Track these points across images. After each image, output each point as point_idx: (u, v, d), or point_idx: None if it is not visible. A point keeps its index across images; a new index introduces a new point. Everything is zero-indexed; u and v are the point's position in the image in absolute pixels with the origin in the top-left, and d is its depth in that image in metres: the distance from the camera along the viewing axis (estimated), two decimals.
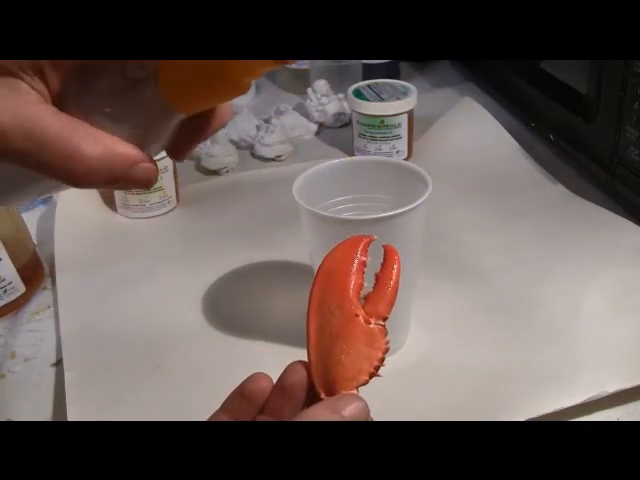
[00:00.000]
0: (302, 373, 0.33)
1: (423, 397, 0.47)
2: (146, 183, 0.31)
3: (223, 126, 0.34)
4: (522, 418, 0.44)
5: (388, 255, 0.33)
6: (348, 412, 0.29)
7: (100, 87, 0.29)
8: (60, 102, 0.29)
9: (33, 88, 0.28)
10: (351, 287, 0.32)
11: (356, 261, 0.32)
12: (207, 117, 0.33)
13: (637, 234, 0.62)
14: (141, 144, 0.30)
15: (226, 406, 0.34)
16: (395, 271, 0.33)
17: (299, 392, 0.33)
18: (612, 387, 0.46)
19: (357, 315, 0.31)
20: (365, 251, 0.33)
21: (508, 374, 0.48)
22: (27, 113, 0.27)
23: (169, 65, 0.29)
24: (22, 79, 0.28)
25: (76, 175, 0.28)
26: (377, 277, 0.33)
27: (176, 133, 0.32)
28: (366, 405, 0.30)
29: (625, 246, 0.61)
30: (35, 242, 0.66)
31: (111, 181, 0.29)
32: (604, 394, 0.45)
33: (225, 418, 0.33)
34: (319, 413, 0.29)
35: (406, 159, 0.77)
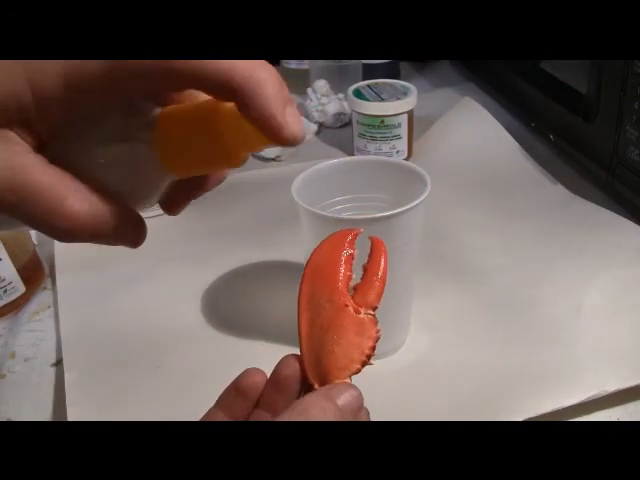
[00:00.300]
0: (295, 366, 0.33)
1: (423, 397, 0.47)
2: (132, 244, 0.30)
3: (217, 185, 0.34)
4: (522, 418, 0.44)
5: (375, 246, 0.34)
6: (342, 400, 0.29)
7: (93, 140, 0.29)
8: (50, 153, 0.28)
9: (22, 138, 0.27)
10: (340, 279, 0.32)
11: (344, 254, 0.33)
12: (202, 177, 0.33)
13: (637, 234, 0.62)
14: (132, 198, 0.30)
15: (221, 402, 0.34)
16: (383, 261, 0.33)
17: (293, 385, 0.33)
18: (612, 386, 0.46)
19: (347, 306, 0.32)
20: (352, 244, 0.33)
21: (508, 374, 0.48)
22: (16, 164, 0.27)
23: (166, 128, 0.29)
24: (11, 129, 0.27)
25: (60, 231, 0.28)
26: (365, 268, 0.33)
27: (170, 189, 0.32)
28: (360, 393, 0.30)
29: (625, 246, 0.61)
30: (35, 242, 0.66)
31: (96, 239, 0.29)
32: (604, 393, 0.45)
33: (220, 414, 0.33)
34: (313, 401, 0.29)
35: (406, 159, 0.77)
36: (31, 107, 0.27)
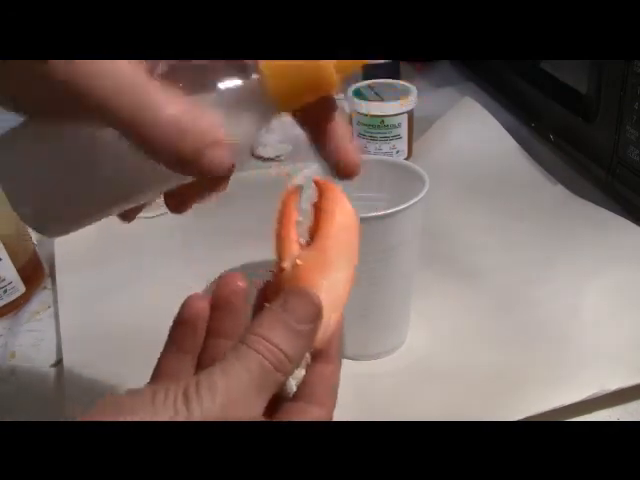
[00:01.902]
0: (235, 284, 0.32)
1: (423, 396, 0.47)
2: (216, 172, 0.27)
3: (221, 191, 0.34)
4: (522, 416, 0.44)
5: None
6: (298, 314, 0.28)
7: (201, 71, 0.29)
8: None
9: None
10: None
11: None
12: (212, 181, 0.33)
13: (637, 234, 0.62)
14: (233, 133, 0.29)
15: (172, 340, 0.33)
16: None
17: (238, 303, 0.32)
18: (612, 385, 0.46)
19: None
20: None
21: (508, 373, 0.48)
22: (121, 70, 0.26)
23: (270, 64, 0.30)
24: None
25: (152, 137, 0.25)
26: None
27: (180, 189, 0.32)
28: (318, 301, 0.29)
29: (625, 246, 0.61)
30: (35, 242, 0.66)
31: (183, 157, 0.26)
32: (604, 392, 0.45)
33: (176, 353, 0.33)
34: (269, 317, 0.28)
35: (406, 159, 0.77)
36: None
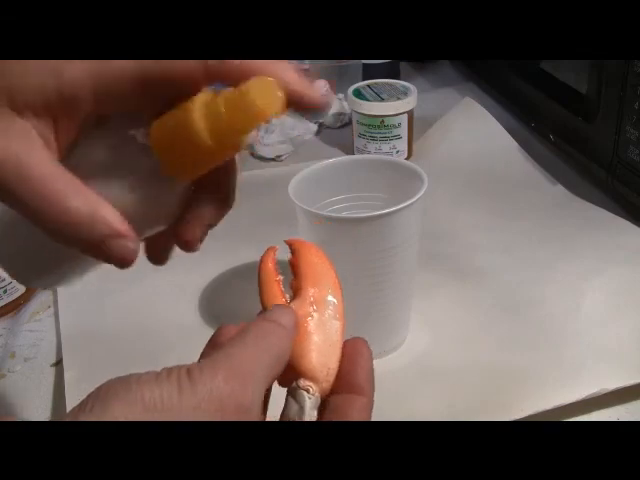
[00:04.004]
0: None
1: (423, 395, 0.47)
2: (119, 262, 0.29)
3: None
4: (522, 415, 0.44)
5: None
6: (284, 320, 0.30)
7: (102, 151, 0.29)
8: (64, 156, 0.29)
9: (40, 133, 0.28)
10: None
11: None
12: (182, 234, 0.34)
13: (637, 234, 0.62)
14: (133, 220, 0.29)
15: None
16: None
17: None
18: (612, 385, 0.46)
19: None
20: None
21: (508, 372, 0.48)
22: (27, 159, 0.27)
23: (157, 134, 0.29)
24: (31, 122, 0.27)
25: (54, 226, 0.28)
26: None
27: (155, 239, 0.32)
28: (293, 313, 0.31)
29: (625, 246, 0.61)
30: None
31: (87, 246, 0.28)
32: (604, 391, 0.45)
33: None
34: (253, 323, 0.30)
35: (406, 159, 0.77)
36: (57, 106, 0.27)
